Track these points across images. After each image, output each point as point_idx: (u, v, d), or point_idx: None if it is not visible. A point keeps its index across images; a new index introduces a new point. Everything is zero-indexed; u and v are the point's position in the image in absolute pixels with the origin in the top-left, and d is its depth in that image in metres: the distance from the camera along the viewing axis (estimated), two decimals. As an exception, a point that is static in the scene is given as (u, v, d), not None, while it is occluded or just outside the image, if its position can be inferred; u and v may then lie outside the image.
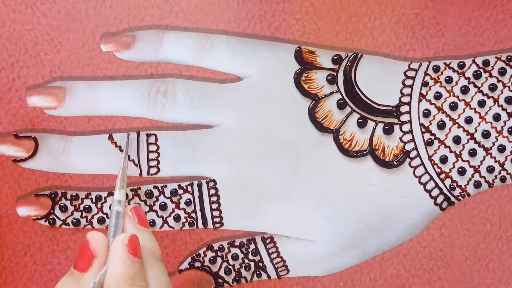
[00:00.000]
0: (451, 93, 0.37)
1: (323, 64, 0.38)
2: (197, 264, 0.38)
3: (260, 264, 0.38)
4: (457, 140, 0.37)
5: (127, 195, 0.37)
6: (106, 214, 0.37)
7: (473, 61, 0.38)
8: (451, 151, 0.37)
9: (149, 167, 0.37)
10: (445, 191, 0.37)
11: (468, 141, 0.37)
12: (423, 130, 0.37)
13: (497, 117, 0.37)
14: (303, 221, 0.37)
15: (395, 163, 0.37)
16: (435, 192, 0.37)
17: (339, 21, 0.39)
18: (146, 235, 0.31)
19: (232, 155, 0.37)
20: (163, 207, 0.38)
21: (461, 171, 0.37)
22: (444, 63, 0.38)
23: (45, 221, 0.37)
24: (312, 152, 0.37)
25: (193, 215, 0.38)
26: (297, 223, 0.38)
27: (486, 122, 0.37)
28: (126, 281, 0.28)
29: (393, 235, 0.38)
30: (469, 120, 0.37)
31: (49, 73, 0.38)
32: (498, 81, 0.37)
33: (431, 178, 0.37)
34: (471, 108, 0.37)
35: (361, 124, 0.37)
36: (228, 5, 0.38)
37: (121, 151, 0.37)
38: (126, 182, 0.32)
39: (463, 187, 0.37)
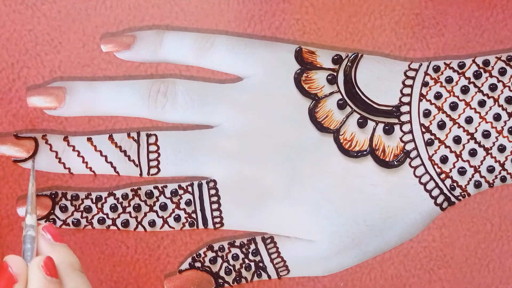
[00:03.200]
0: (451, 93, 0.37)
1: (323, 64, 0.38)
2: (198, 264, 0.38)
3: (261, 264, 0.38)
4: (457, 140, 0.37)
5: (127, 195, 0.37)
6: (107, 214, 0.37)
7: (473, 61, 0.38)
8: (451, 151, 0.37)
9: (149, 167, 0.37)
10: (445, 191, 0.37)
11: (468, 141, 0.37)
12: (424, 130, 0.37)
13: (497, 117, 0.37)
14: (303, 221, 0.37)
15: (395, 163, 0.37)
16: (436, 192, 0.37)
17: (339, 21, 0.39)
18: (62, 250, 0.31)
19: (232, 155, 0.37)
20: (164, 207, 0.38)
21: (462, 171, 0.37)
22: (444, 63, 0.38)
23: (45, 221, 0.37)
24: (312, 152, 0.37)
25: (194, 215, 0.38)
26: (297, 223, 0.38)
27: (487, 122, 0.37)
28: None
29: (393, 235, 0.38)
30: (469, 120, 0.37)
31: (49, 74, 0.38)
32: (498, 81, 0.37)
33: (432, 178, 0.37)
34: (471, 108, 0.37)
35: (362, 124, 0.37)
36: (228, 5, 0.38)
37: (121, 151, 0.37)
38: (35, 207, 0.33)
39: (464, 187, 0.37)
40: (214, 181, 0.37)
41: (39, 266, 0.30)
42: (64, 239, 0.32)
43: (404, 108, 0.37)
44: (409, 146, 0.37)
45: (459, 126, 0.37)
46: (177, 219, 0.38)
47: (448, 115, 0.37)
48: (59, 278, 0.30)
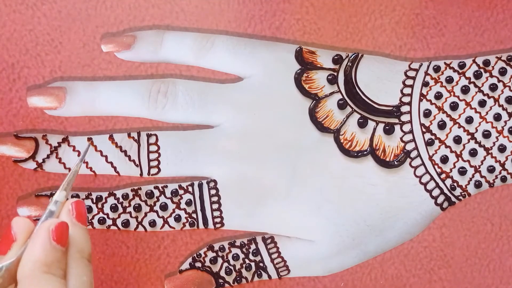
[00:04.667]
0: (452, 93, 0.37)
1: (323, 64, 0.38)
2: (198, 264, 0.38)
3: (261, 264, 0.38)
4: (457, 140, 0.37)
5: (127, 195, 0.37)
6: (107, 214, 0.37)
7: (474, 61, 0.38)
8: (451, 151, 0.37)
9: (149, 167, 0.37)
10: (445, 191, 0.37)
11: (468, 141, 0.37)
12: (424, 130, 0.37)
13: (497, 117, 0.37)
14: (303, 221, 0.37)
15: (395, 163, 0.37)
16: (436, 192, 0.37)
17: (339, 21, 0.39)
18: (79, 232, 0.30)
19: (232, 155, 0.37)
20: (164, 207, 0.38)
21: (462, 171, 0.37)
22: (445, 63, 0.38)
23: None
24: (313, 152, 0.37)
25: (194, 215, 0.38)
26: (297, 223, 0.38)
27: (487, 122, 0.37)
28: (41, 267, 0.28)
29: (394, 235, 0.38)
30: (469, 120, 0.37)
31: (49, 74, 0.38)
32: (499, 81, 0.37)
33: (432, 178, 0.37)
34: (471, 108, 0.37)
35: (362, 124, 0.37)
36: (229, 5, 0.38)
37: (122, 151, 0.37)
38: (71, 186, 0.31)
39: (464, 187, 0.37)
40: (215, 181, 0.37)
41: (49, 229, 0.28)
42: (86, 222, 0.31)
43: (405, 108, 0.37)
44: (409, 146, 0.37)
45: (460, 126, 0.37)
46: (178, 219, 0.38)
47: (448, 115, 0.37)
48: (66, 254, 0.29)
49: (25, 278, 0.28)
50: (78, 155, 0.37)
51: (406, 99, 0.37)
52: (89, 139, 0.37)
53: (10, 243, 0.29)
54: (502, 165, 0.37)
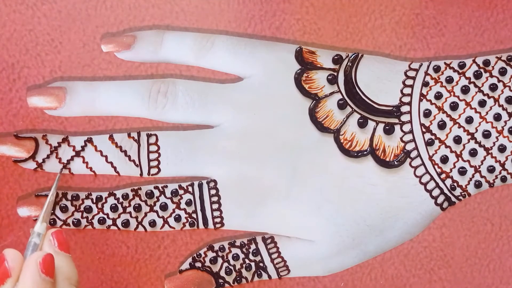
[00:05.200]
0: (452, 93, 0.37)
1: (323, 64, 0.38)
2: (198, 264, 0.38)
3: (261, 264, 0.38)
4: (457, 140, 0.37)
5: (127, 195, 0.37)
6: (107, 214, 0.37)
7: (474, 61, 0.38)
8: (451, 151, 0.37)
9: (149, 167, 0.37)
10: (445, 191, 0.37)
11: (468, 141, 0.37)
12: (424, 130, 0.37)
13: (497, 117, 0.37)
14: (303, 221, 0.37)
15: (395, 163, 0.37)
16: (436, 192, 0.37)
17: (339, 21, 0.39)
18: (64, 260, 0.31)
19: (232, 155, 0.37)
20: (164, 207, 0.38)
21: (462, 171, 0.37)
22: (445, 63, 0.38)
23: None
24: (313, 152, 0.37)
25: (194, 215, 0.38)
26: (297, 223, 0.38)
27: (487, 122, 0.37)
28: None
29: (394, 235, 0.38)
30: (469, 120, 0.37)
31: (49, 74, 0.38)
32: (499, 81, 0.37)
33: (432, 178, 0.37)
34: (471, 108, 0.37)
35: (362, 124, 0.37)
36: (229, 5, 0.38)
37: (122, 151, 0.37)
38: (49, 216, 0.33)
39: (464, 187, 0.37)
40: (215, 181, 0.37)
41: (37, 262, 0.29)
42: (69, 250, 0.32)
43: (405, 108, 0.37)
44: (409, 146, 0.37)
45: (460, 126, 0.37)
46: (178, 219, 0.38)
47: (448, 115, 0.37)
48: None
49: None
50: (78, 155, 0.37)
51: (406, 99, 0.37)
52: (89, 139, 0.37)
53: (5, 278, 0.29)
54: (502, 165, 0.37)
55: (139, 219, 0.38)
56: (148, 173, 0.37)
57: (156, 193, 0.38)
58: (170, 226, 0.38)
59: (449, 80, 0.37)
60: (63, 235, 0.32)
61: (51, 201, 0.34)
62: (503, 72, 0.37)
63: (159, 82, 0.38)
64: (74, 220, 0.37)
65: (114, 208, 0.37)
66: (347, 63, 0.38)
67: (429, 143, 0.37)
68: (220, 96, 0.37)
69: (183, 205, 0.38)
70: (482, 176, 0.37)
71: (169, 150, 0.37)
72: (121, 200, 0.38)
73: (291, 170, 0.37)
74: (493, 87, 0.37)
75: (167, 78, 0.38)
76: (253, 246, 0.38)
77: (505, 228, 0.39)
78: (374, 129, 0.37)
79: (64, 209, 0.37)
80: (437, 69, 0.38)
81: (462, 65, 0.38)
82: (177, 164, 0.37)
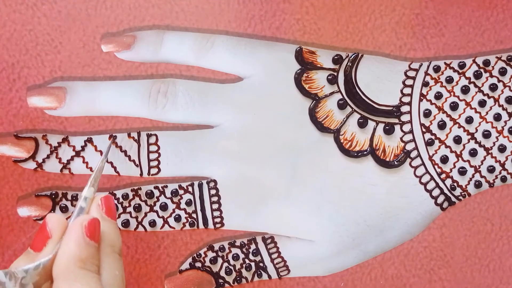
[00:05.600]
0: (452, 93, 0.37)
1: (323, 64, 0.38)
2: (198, 264, 0.38)
3: (261, 264, 0.38)
4: (457, 140, 0.37)
5: (127, 195, 0.37)
6: (107, 214, 0.37)
7: (474, 61, 0.38)
8: (451, 151, 0.37)
9: (149, 167, 0.37)
10: (445, 191, 0.37)
11: (468, 141, 0.37)
12: (424, 130, 0.37)
13: (497, 117, 0.37)
14: (303, 221, 0.37)
15: (395, 163, 0.37)
16: (436, 192, 0.37)
17: (339, 21, 0.39)
18: (109, 226, 0.31)
19: (232, 155, 0.37)
20: (164, 207, 0.38)
21: (462, 171, 0.37)
22: (445, 63, 0.38)
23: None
24: (313, 152, 0.37)
25: (194, 215, 0.38)
26: (297, 223, 0.38)
27: (487, 122, 0.37)
28: (76, 262, 0.28)
29: (394, 235, 0.38)
30: (469, 120, 0.37)
31: (49, 74, 0.38)
32: (499, 81, 0.37)
33: (432, 178, 0.37)
34: (471, 108, 0.37)
35: (362, 124, 0.37)
36: (229, 5, 0.38)
37: (122, 151, 0.37)
38: (98, 182, 0.32)
39: (464, 187, 0.37)
40: (215, 181, 0.37)
41: (82, 225, 0.29)
42: (116, 217, 0.31)
43: (405, 108, 0.37)
44: (409, 146, 0.37)
45: (460, 126, 0.37)
46: (178, 219, 0.38)
47: (448, 115, 0.37)
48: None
49: (61, 274, 0.28)
50: (78, 155, 0.37)
51: (406, 99, 0.37)
52: (89, 139, 0.37)
53: (46, 239, 0.29)
54: (502, 165, 0.37)
55: (139, 219, 0.38)
56: (148, 173, 0.37)
57: (156, 193, 0.38)
58: (170, 226, 0.38)
59: (449, 80, 0.37)
60: (112, 201, 0.31)
61: (100, 167, 0.33)
62: (503, 72, 0.37)
63: (159, 82, 0.38)
64: (74, 220, 0.37)
65: (114, 208, 0.37)
66: (347, 63, 0.38)
67: (429, 143, 0.37)
68: (220, 96, 0.37)
69: (183, 205, 0.38)
70: (482, 176, 0.37)
71: (169, 150, 0.37)
72: (121, 200, 0.38)
73: (291, 170, 0.37)
74: (493, 87, 0.37)
75: (167, 78, 0.38)
76: (253, 246, 0.38)
77: (505, 228, 0.39)
78: (374, 129, 0.37)
79: (64, 209, 0.37)
80: (437, 69, 0.38)
81: (462, 65, 0.38)
82: (177, 164, 0.37)
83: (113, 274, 0.29)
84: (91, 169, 0.37)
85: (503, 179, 0.37)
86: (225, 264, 0.38)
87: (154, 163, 0.37)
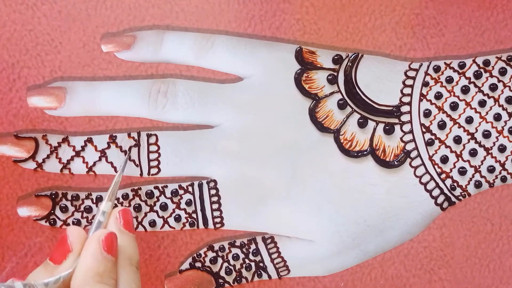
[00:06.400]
0: (452, 93, 0.37)
1: (323, 64, 0.38)
2: (198, 264, 0.38)
3: (261, 264, 0.38)
4: (457, 140, 0.37)
5: (127, 195, 0.37)
6: (107, 214, 0.37)
7: (474, 61, 0.38)
8: (451, 151, 0.37)
9: (149, 167, 0.37)
10: (445, 191, 0.37)
11: (468, 141, 0.37)
12: (424, 130, 0.37)
13: (497, 117, 0.37)
14: (303, 221, 0.37)
15: (395, 163, 0.37)
16: (436, 192, 0.37)
17: (339, 21, 0.39)
18: (127, 239, 0.31)
19: (232, 155, 0.37)
20: (164, 207, 0.38)
21: (462, 171, 0.37)
22: (445, 63, 0.38)
23: (45, 221, 0.37)
24: (313, 152, 0.37)
25: (194, 215, 0.38)
26: (297, 223, 0.38)
27: (487, 122, 0.37)
28: (94, 277, 0.28)
29: (394, 235, 0.38)
30: (469, 120, 0.37)
31: (49, 74, 0.38)
32: (499, 81, 0.37)
33: (432, 178, 0.37)
34: (471, 108, 0.37)
35: (362, 124, 0.37)
36: (229, 5, 0.38)
37: (122, 151, 0.37)
38: (115, 196, 0.33)
39: (464, 187, 0.37)
40: (215, 181, 0.37)
41: (99, 240, 0.29)
42: (133, 230, 0.32)
43: (405, 108, 0.37)
44: (409, 146, 0.37)
45: (460, 126, 0.37)
46: (178, 219, 0.38)
47: (448, 115, 0.37)
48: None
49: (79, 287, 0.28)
50: (78, 155, 0.37)
51: (406, 99, 0.37)
52: (89, 139, 0.37)
53: (66, 253, 0.30)
54: (502, 165, 0.37)
55: (139, 219, 0.38)
56: (148, 173, 0.37)
57: (156, 193, 0.38)
58: (170, 226, 0.38)
59: (449, 80, 0.37)
60: (130, 214, 0.32)
61: (117, 181, 0.33)
62: (503, 72, 0.37)
63: (159, 82, 0.38)
64: (74, 220, 0.37)
65: (114, 208, 0.37)
66: (347, 63, 0.38)
67: (429, 143, 0.37)
68: (220, 96, 0.37)
69: (183, 205, 0.38)
70: (482, 176, 0.37)
71: (169, 150, 0.37)
72: (121, 200, 0.38)
73: (291, 170, 0.37)
74: (493, 87, 0.37)
75: (167, 78, 0.38)
76: (253, 246, 0.38)
77: (505, 228, 0.39)
78: (374, 129, 0.37)
79: (64, 209, 0.37)
80: (437, 69, 0.38)
81: (462, 65, 0.38)
82: (177, 164, 0.37)
83: (130, 287, 0.30)
84: (91, 169, 0.37)
85: (503, 179, 0.37)
86: (225, 264, 0.38)
87: (154, 163, 0.37)
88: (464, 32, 0.39)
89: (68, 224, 0.37)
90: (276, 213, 0.37)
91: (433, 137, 0.37)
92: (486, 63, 0.37)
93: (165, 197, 0.38)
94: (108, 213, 0.32)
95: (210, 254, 0.38)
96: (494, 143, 0.37)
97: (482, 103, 0.37)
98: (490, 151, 0.37)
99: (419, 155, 0.37)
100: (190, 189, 0.38)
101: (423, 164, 0.37)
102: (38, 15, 0.38)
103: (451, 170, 0.37)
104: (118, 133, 0.38)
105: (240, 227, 0.38)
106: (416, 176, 0.37)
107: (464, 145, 0.37)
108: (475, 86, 0.37)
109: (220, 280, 0.38)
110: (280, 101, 0.37)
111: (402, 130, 0.37)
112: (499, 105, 0.37)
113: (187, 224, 0.38)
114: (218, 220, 0.38)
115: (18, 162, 0.37)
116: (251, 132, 0.37)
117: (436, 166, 0.37)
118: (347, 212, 0.37)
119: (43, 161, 0.37)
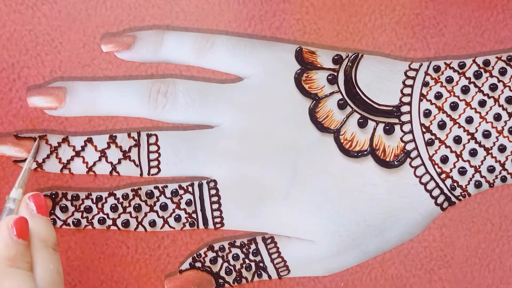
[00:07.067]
0: (452, 93, 0.37)
1: (323, 64, 0.38)
2: (198, 264, 0.38)
3: (261, 264, 0.38)
4: (457, 140, 0.37)
5: (127, 195, 0.37)
6: (107, 214, 0.37)
7: (474, 61, 0.38)
8: (451, 151, 0.37)
9: (149, 167, 0.37)
10: (445, 191, 0.37)
11: (468, 141, 0.37)
12: (424, 130, 0.37)
13: (497, 117, 0.37)
14: (303, 221, 0.37)
15: (395, 163, 0.37)
16: (436, 192, 0.37)
17: (339, 21, 0.39)
18: (40, 222, 0.31)
19: (232, 155, 0.37)
20: (164, 207, 0.38)
21: (462, 171, 0.37)
22: (445, 63, 0.38)
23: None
24: (313, 152, 0.37)
25: (194, 215, 0.38)
26: (297, 223, 0.38)
27: (487, 122, 0.37)
28: (5, 261, 0.29)
29: (394, 235, 0.38)
30: (469, 120, 0.37)
31: (49, 74, 0.38)
32: (499, 81, 0.37)
33: (432, 178, 0.37)
34: (471, 108, 0.37)
35: (362, 124, 0.37)
36: (229, 5, 0.38)
37: (121, 151, 0.37)
38: (25, 183, 0.33)
39: (464, 187, 0.37)
40: (215, 181, 0.37)
41: (8, 225, 0.30)
42: (47, 213, 0.32)
43: (405, 108, 0.37)
44: (409, 146, 0.37)
45: (460, 126, 0.37)
46: (178, 219, 0.38)
47: (448, 115, 0.37)
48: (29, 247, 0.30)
49: None
50: (78, 155, 0.37)
51: (406, 99, 0.37)
52: (89, 139, 0.37)
53: None
54: (502, 165, 0.37)
55: (139, 219, 0.38)
56: (148, 173, 0.37)
57: (156, 193, 0.38)
58: (170, 226, 0.38)
59: (449, 80, 0.37)
60: (41, 198, 0.32)
61: (27, 169, 0.34)
62: (503, 72, 0.37)
63: (159, 82, 0.38)
64: (74, 220, 0.37)
65: (114, 208, 0.37)
66: (347, 63, 0.38)
67: (429, 143, 0.37)
68: (220, 96, 0.37)
69: (183, 205, 0.38)
70: (482, 176, 0.37)
71: (169, 150, 0.37)
72: (121, 200, 0.38)
73: (291, 170, 0.37)
74: (493, 87, 0.37)
75: (167, 78, 0.38)
76: (253, 246, 0.38)
77: (505, 228, 0.39)
78: (374, 129, 0.37)
79: (64, 209, 0.37)
80: (437, 69, 0.38)
81: (462, 65, 0.38)
82: (177, 164, 0.37)
83: (47, 268, 0.30)
84: (90, 169, 0.37)
85: (503, 179, 0.37)
86: (225, 264, 0.38)
87: (154, 163, 0.37)
88: (464, 32, 0.39)
89: (68, 224, 0.37)
90: (276, 213, 0.37)
91: (433, 137, 0.37)
92: (486, 63, 0.37)
93: (165, 197, 0.38)
94: (20, 200, 0.32)
95: (210, 254, 0.38)
96: (494, 143, 0.37)
97: (482, 103, 0.37)
98: (490, 151, 0.37)
99: (419, 155, 0.37)
100: (190, 189, 0.38)
101: (423, 164, 0.37)
102: (38, 15, 0.38)
103: (451, 170, 0.37)
104: (118, 133, 0.38)
105: (240, 227, 0.38)
106: (416, 176, 0.37)
107: (464, 145, 0.37)
108: (475, 86, 0.37)
109: (220, 280, 0.38)
110: (280, 101, 0.37)
111: (402, 130, 0.37)
112: (499, 105, 0.37)
113: (187, 224, 0.38)
114: (218, 220, 0.38)
115: (18, 162, 0.37)
116: (251, 132, 0.37)
117: (436, 166, 0.37)
118: (347, 212, 0.37)
119: (43, 161, 0.37)
